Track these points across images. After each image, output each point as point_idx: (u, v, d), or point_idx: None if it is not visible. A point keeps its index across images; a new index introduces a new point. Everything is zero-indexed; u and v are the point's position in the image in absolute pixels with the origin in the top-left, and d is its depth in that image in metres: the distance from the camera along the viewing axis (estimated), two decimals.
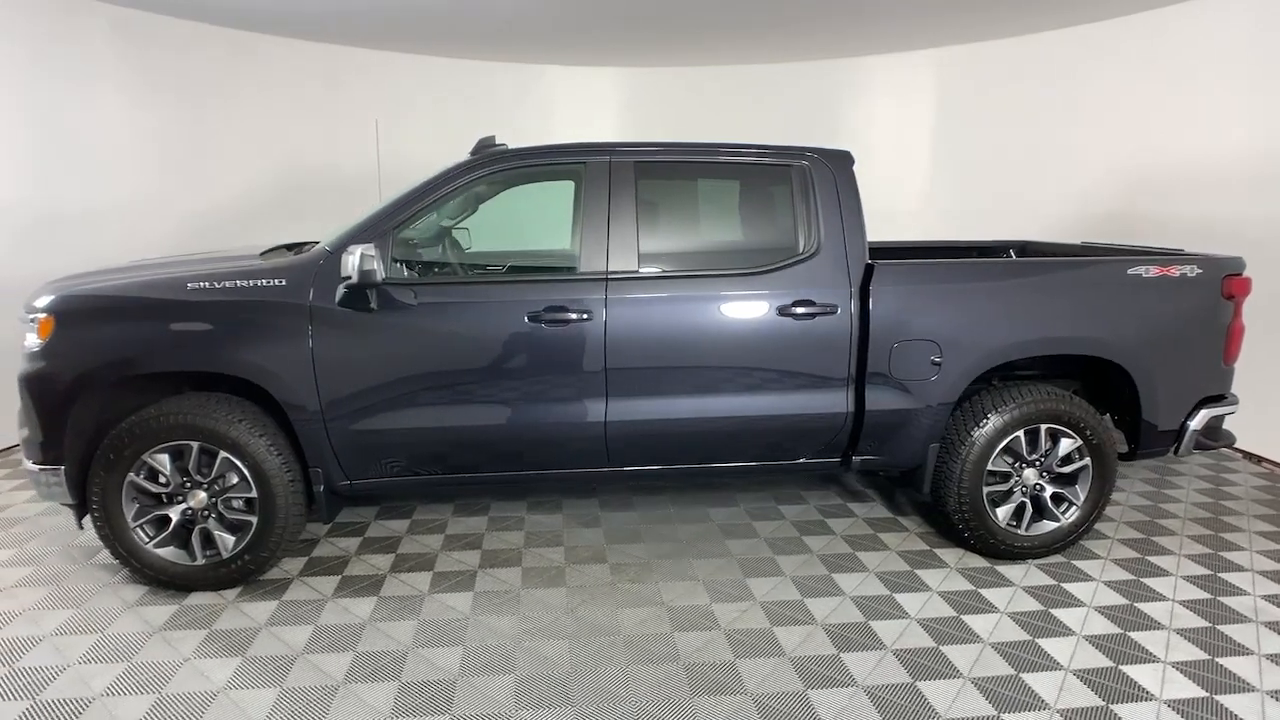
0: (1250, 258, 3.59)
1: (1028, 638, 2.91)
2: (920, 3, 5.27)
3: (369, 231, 3.06)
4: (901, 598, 3.20)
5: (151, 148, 5.63)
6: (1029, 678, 2.67)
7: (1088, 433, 3.41)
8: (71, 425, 2.97)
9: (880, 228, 6.72)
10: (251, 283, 2.99)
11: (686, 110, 7.32)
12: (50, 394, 2.92)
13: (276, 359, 2.98)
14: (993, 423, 3.36)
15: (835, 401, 3.31)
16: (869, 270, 3.28)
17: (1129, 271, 3.39)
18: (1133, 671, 2.70)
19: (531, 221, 4.37)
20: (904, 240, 5.26)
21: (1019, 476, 3.47)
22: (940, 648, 2.85)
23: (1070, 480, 3.51)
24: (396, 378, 3.06)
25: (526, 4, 5.22)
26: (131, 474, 3.01)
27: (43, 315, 2.95)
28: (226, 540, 3.12)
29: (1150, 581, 3.35)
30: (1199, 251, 3.67)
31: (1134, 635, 2.93)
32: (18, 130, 4.86)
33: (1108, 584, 3.33)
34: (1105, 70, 5.74)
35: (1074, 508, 3.51)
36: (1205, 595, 3.23)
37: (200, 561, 3.11)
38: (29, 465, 3.03)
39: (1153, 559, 3.57)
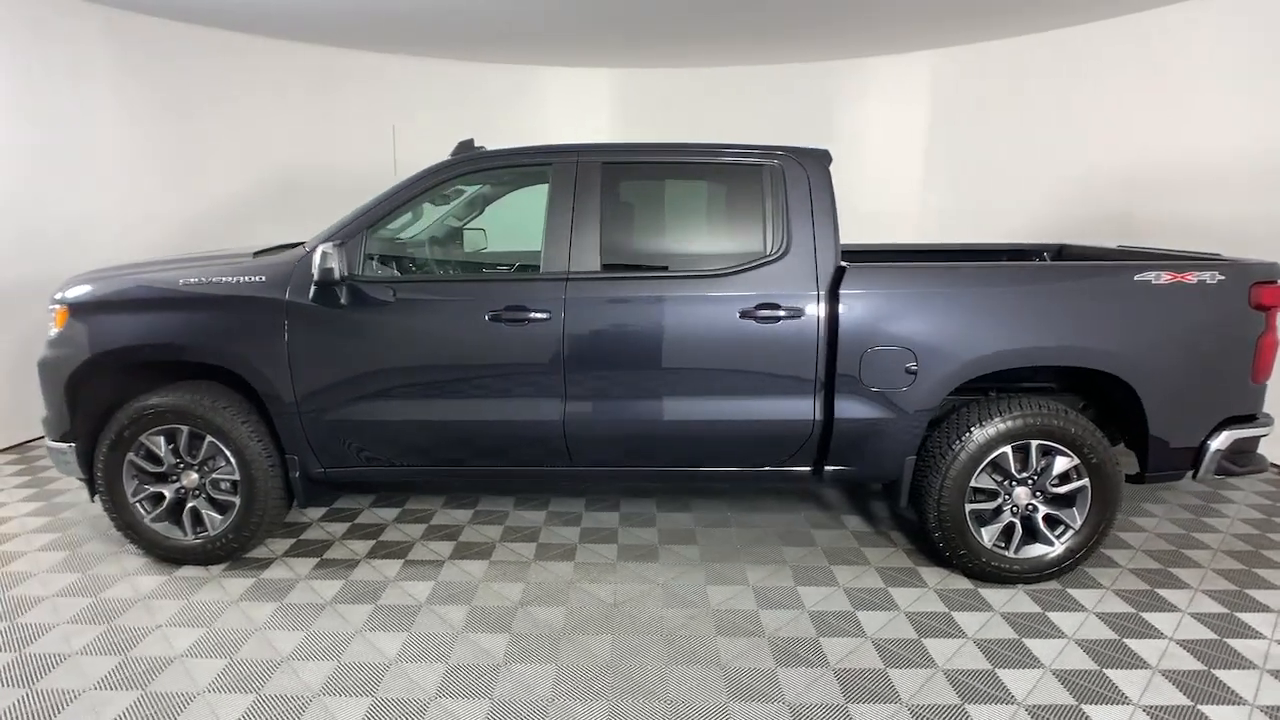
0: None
1: (988, 667, 2.73)
2: (915, 5, 5.22)
3: (343, 231, 3.21)
4: (864, 615, 3.07)
5: (145, 149, 5.65)
6: (974, 709, 2.50)
7: (1085, 451, 3.15)
8: (80, 407, 3.26)
9: (873, 229, 6.70)
10: (235, 279, 3.20)
11: (682, 111, 7.30)
12: (62, 378, 3.22)
13: (255, 351, 3.17)
14: (975, 437, 3.16)
15: (801, 409, 3.20)
16: (840, 273, 3.16)
17: (1136, 278, 3.11)
18: (1095, 712, 2.49)
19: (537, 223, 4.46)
20: (930, 243, 5.03)
21: (1009, 495, 3.25)
22: (888, 670, 2.71)
23: (1067, 502, 3.26)
24: (364, 371, 3.19)
25: (523, 6, 5.25)
26: (131, 454, 3.28)
27: (59, 306, 3.26)
28: (214, 519, 3.35)
29: (1151, 616, 3.07)
30: (1225, 256, 3.33)
31: (1111, 673, 2.69)
32: (5, 132, 4.82)
33: (1100, 615, 3.07)
34: (1099, 71, 5.66)
35: (1070, 531, 3.25)
36: (1211, 636, 2.93)
37: (190, 537, 3.35)
38: (48, 442, 3.36)
39: (1163, 592, 3.26)
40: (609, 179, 3.25)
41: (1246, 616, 3.07)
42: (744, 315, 3.13)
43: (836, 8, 5.31)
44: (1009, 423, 3.14)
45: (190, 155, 5.98)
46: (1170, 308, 3.11)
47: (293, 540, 3.69)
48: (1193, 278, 3.11)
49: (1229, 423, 3.23)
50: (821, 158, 3.27)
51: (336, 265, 2.97)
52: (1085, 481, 3.20)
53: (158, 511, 3.35)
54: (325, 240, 3.16)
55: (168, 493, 3.34)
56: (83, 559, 3.47)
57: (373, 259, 3.30)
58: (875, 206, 6.92)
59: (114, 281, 3.30)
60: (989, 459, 3.18)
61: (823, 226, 3.19)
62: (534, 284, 3.18)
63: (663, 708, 2.50)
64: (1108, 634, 2.94)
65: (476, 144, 3.50)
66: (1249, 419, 3.25)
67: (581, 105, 7.46)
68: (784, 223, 3.20)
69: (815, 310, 3.13)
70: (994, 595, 3.23)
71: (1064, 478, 3.22)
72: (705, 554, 3.59)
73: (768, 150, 3.27)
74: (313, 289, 3.14)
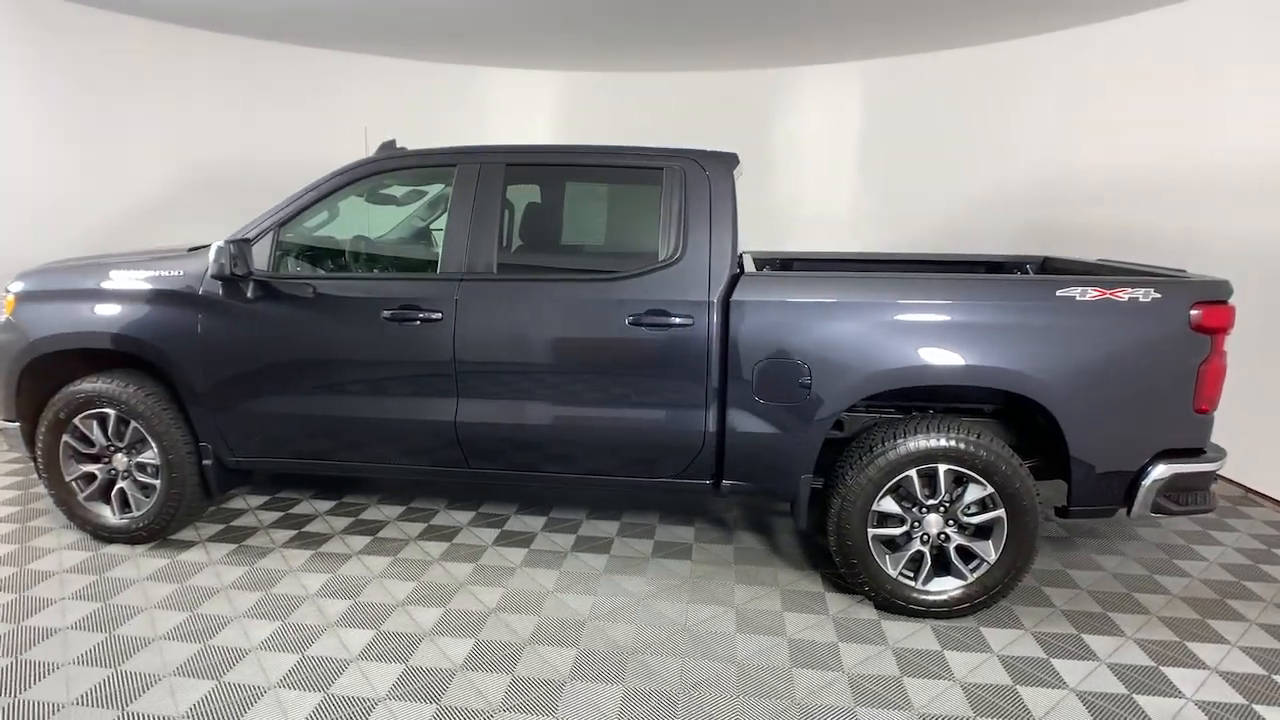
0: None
1: (850, 704, 2.55)
2: (850, 17, 5.42)
3: (253, 228, 3.31)
4: (745, 639, 2.93)
5: (60, 140, 5.43)
6: None
7: (998, 479, 2.91)
8: (23, 389, 3.50)
9: (809, 234, 7.02)
10: (156, 273, 3.36)
11: (622, 115, 7.39)
12: (8, 361, 3.46)
13: (170, 342, 3.32)
14: (876, 458, 2.97)
15: (692, 420, 3.09)
16: (735, 281, 3.03)
17: (1058, 293, 2.86)
18: None
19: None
20: (913, 253, 4.77)
21: (918, 522, 3.04)
22: (741, 699, 2.57)
23: (983, 534, 3.03)
24: (268, 365, 3.29)
25: (468, 6, 5.23)
26: (66, 435, 3.48)
27: (9, 296, 3.51)
28: (140, 500, 3.52)
29: (1061, 663, 2.80)
30: (1179, 272, 3.02)
31: None
32: None
33: (1005, 659, 2.82)
34: (1025, 85, 5.93)
35: (985, 565, 3.01)
36: (1119, 690, 2.65)
37: (117, 517, 3.54)
38: (1, 421, 3.62)
39: (1090, 638, 2.97)
40: (511, 181, 3.24)
41: (1174, 671, 2.76)
42: (634, 322, 3.06)
43: (774, 18, 5.46)
44: (911, 445, 2.93)
45: (111, 147, 5.72)
46: (1096, 327, 2.84)
47: (222, 526, 3.84)
48: (1123, 295, 2.83)
49: (1168, 456, 2.92)
50: (726, 161, 3.16)
51: (226, 261, 3.07)
52: (1000, 512, 2.96)
53: (89, 491, 3.55)
54: (243, 236, 3.28)
55: (99, 473, 3.54)
56: (28, 532, 3.71)
57: (289, 255, 3.39)
58: (811, 212, 7.21)
59: (55, 274, 3.53)
60: (893, 482, 2.99)
61: (720, 232, 3.08)
62: (430, 284, 3.20)
63: (492, 713, 2.46)
64: (1002, 679, 2.70)
65: (399, 144, 3.55)
66: (1193, 453, 2.93)
67: (521, 107, 7.53)
68: (681, 227, 3.10)
69: (706, 319, 3.02)
70: (895, 628, 3.03)
71: (982, 507, 2.99)
72: (612, 564, 3.51)
73: (670, 153, 3.18)
74: (220, 284, 3.26)
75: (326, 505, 4.12)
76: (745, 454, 3.10)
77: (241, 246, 3.16)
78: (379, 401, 3.26)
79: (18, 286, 3.53)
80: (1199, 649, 2.91)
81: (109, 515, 3.56)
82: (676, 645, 2.88)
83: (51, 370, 3.55)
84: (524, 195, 3.29)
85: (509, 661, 2.75)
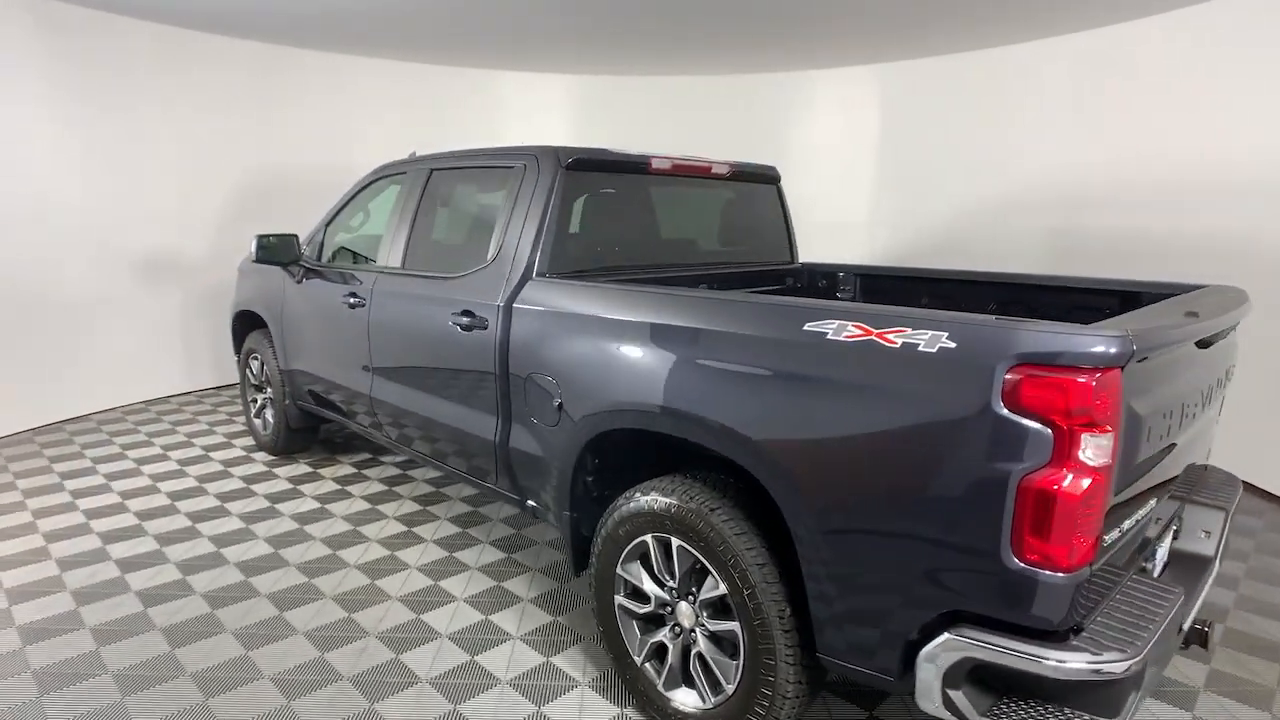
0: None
1: None
2: (865, 21, 5.42)
3: (316, 228, 4.29)
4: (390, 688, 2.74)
5: (76, 143, 5.50)
6: None
7: (731, 574, 2.10)
8: (236, 333, 5.17)
9: (826, 240, 6.63)
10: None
11: (638, 119, 7.48)
12: (234, 316, 5.17)
13: (271, 311, 4.54)
14: (615, 511, 2.43)
15: (486, 426, 2.97)
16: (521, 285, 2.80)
17: (807, 326, 1.92)
18: None
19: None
20: (1020, 274, 3.41)
21: (671, 605, 2.37)
22: None
23: (731, 647, 2.21)
24: (297, 333, 4.25)
25: (482, 11, 5.33)
26: (246, 369, 5.05)
27: (238, 273, 5.22)
28: (270, 424, 4.90)
29: None
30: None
31: None
32: None
33: None
34: (1042, 86, 5.73)
35: (722, 689, 2.21)
36: None
37: (263, 433, 4.98)
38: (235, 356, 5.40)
39: None
40: (429, 184, 3.52)
41: None
42: (453, 322, 3.07)
43: (787, 22, 5.44)
44: (634, 501, 2.33)
45: (126, 148, 5.77)
46: (850, 379, 1.84)
47: (322, 455, 5.00)
48: (896, 339, 1.77)
49: (975, 623, 1.70)
50: (558, 156, 2.89)
51: (252, 251, 4.07)
52: (735, 624, 2.13)
53: (255, 410, 5.07)
54: (310, 236, 4.30)
55: (259, 399, 5.03)
56: (233, 435, 5.43)
57: (327, 248, 4.25)
58: (827, 217, 6.84)
59: (247, 260, 5.08)
60: (633, 545, 2.40)
61: (530, 233, 2.85)
62: (366, 276, 3.71)
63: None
64: None
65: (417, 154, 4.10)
66: (1040, 635, 1.65)
67: (542, 111, 7.66)
68: (505, 228, 2.97)
69: (495, 323, 2.86)
70: None
71: (720, 609, 2.21)
72: (489, 573, 3.53)
73: (522, 152, 3.06)
74: (289, 270, 4.32)
75: (416, 478, 4.98)
76: (524, 474, 2.85)
77: (289, 239, 4.16)
78: (341, 370, 3.93)
79: (240, 266, 5.21)
80: None
81: (261, 429, 5.03)
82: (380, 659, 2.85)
83: (250, 323, 5.14)
84: (433, 197, 3.52)
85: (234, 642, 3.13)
